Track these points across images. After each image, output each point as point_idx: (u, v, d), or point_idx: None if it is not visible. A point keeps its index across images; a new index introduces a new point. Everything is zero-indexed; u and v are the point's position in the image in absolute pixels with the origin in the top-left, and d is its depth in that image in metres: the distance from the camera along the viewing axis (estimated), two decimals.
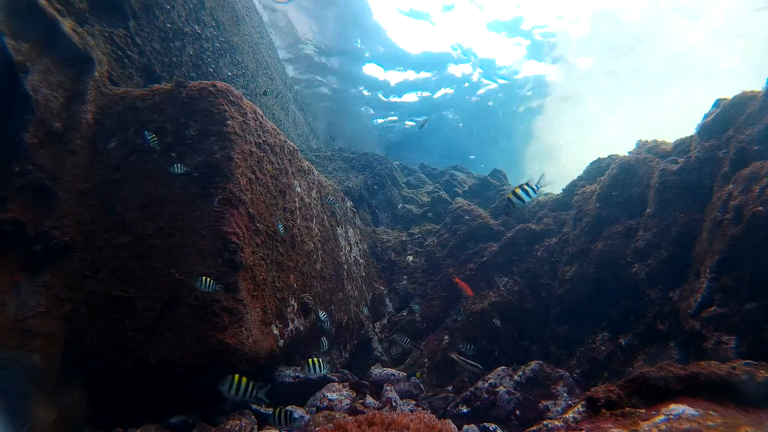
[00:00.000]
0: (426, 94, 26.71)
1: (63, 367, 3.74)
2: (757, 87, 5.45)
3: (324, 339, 5.19)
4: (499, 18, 21.11)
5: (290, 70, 20.99)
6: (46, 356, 3.64)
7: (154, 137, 4.12)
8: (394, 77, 24.85)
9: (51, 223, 3.89)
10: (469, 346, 6.16)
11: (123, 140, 4.40)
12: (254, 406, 4.29)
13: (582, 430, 2.75)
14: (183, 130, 4.33)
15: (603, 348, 5.98)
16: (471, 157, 36.25)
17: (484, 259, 8.18)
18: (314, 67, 22.72)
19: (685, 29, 20.82)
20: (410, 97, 26.83)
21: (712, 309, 4.54)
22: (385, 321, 8.29)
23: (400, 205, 11.92)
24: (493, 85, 26.40)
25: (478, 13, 20.61)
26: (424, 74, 24.76)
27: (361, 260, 8.26)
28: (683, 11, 20.03)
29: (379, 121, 29.24)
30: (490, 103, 28.22)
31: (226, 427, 3.76)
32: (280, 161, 5.27)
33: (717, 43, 20.92)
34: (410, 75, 24.71)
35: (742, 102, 5.54)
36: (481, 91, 26.87)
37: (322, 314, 5.25)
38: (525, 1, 20.15)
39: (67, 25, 4.28)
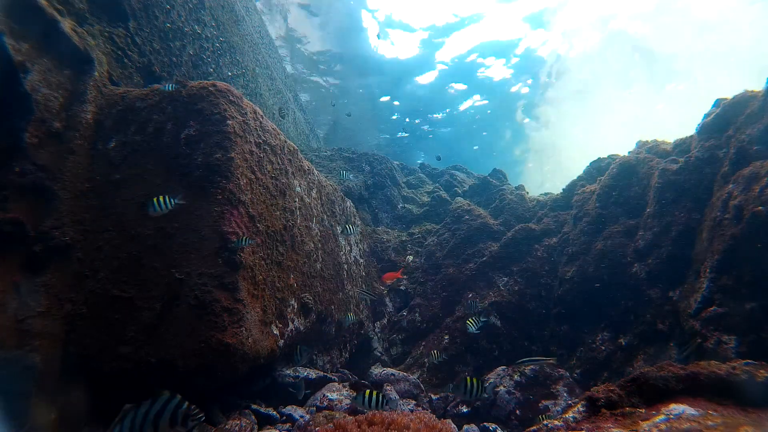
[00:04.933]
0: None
1: (63, 367, 3.74)
2: (757, 87, 5.45)
3: (300, 347, 5.02)
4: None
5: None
6: (46, 356, 3.64)
7: None
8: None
9: (51, 223, 3.89)
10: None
11: (123, 140, 4.40)
12: (254, 406, 4.29)
13: (582, 429, 2.75)
14: (183, 130, 4.33)
15: (603, 348, 5.98)
16: (474, 147, 36.19)
17: (484, 258, 8.18)
18: None
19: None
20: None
21: (712, 309, 4.55)
22: (385, 321, 8.29)
23: (400, 205, 11.92)
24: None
25: None
26: None
27: (361, 260, 8.26)
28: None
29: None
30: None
31: (226, 427, 3.76)
32: (280, 161, 5.26)
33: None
34: None
35: (742, 102, 5.54)
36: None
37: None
38: None
39: (67, 25, 4.27)
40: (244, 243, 4.04)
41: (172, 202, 3.51)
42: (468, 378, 3.82)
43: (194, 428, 3.67)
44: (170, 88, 4.29)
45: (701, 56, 22.52)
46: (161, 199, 3.46)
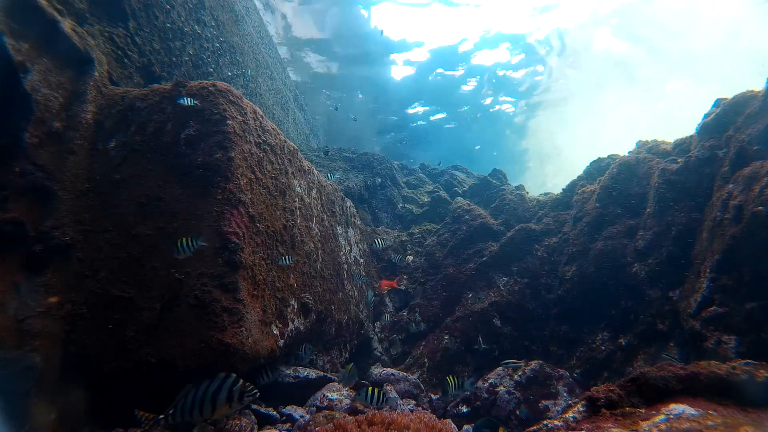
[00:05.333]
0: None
1: (63, 367, 3.74)
2: (758, 87, 5.45)
3: (305, 345, 5.12)
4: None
5: None
6: (46, 356, 3.64)
7: None
8: None
9: (51, 223, 3.89)
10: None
11: (123, 140, 4.40)
12: (254, 406, 4.28)
13: (582, 429, 2.75)
14: (183, 130, 4.33)
15: (603, 348, 5.98)
16: (476, 147, 36.33)
17: (484, 258, 8.19)
18: None
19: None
20: None
21: (712, 309, 4.55)
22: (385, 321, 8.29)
23: (400, 204, 11.92)
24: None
25: None
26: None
27: (361, 260, 8.26)
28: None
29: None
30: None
31: (226, 427, 3.76)
32: (280, 161, 5.26)
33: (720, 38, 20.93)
34: None
35: (742, 102, 5.54)
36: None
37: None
38: None
39: (67, 25, 4.27)
40: (286, 262, 4.29)
41: (196, 243, 3.65)
42: (448, 377, 4.02)
43: (195, 427, 3.68)
44: (189, 102, 4.28)
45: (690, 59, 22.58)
46: (185, 240, 3.60)
